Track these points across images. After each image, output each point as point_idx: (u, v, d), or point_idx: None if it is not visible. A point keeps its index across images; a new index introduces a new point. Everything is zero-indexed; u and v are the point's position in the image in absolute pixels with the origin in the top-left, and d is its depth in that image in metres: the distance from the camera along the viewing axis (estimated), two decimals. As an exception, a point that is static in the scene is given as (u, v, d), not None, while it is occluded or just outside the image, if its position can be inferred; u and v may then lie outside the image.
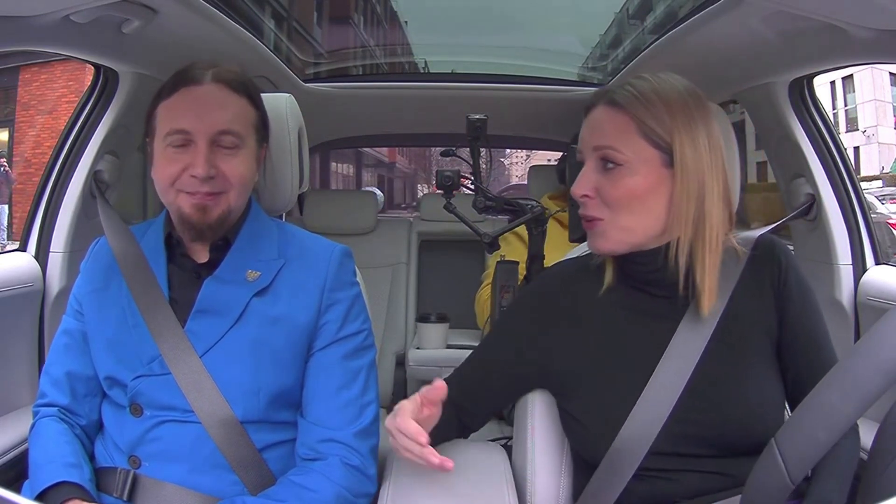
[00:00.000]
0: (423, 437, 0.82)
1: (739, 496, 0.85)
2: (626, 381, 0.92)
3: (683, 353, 0.91)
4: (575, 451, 1.01)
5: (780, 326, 0.94)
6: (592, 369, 0.95)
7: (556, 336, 0.98)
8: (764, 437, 0.85)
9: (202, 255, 1.03)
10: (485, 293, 2.00)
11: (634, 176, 0.90)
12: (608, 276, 0.98)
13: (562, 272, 1.04)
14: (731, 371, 0.91)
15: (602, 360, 0.95)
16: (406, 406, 0.86)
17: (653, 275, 0.94)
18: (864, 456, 0.87)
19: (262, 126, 1.06)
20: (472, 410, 1.03)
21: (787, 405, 0.96)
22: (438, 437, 1.03)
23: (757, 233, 0.99)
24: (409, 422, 0.84)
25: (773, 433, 0.84)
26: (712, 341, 0.91)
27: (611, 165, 0.91)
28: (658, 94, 0.91)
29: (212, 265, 1.02)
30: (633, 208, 0.91)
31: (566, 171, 2.13)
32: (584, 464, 0.97)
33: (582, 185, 0.93)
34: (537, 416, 1.03)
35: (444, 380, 1.05)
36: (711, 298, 0.91)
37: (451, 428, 1.03)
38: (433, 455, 0.82)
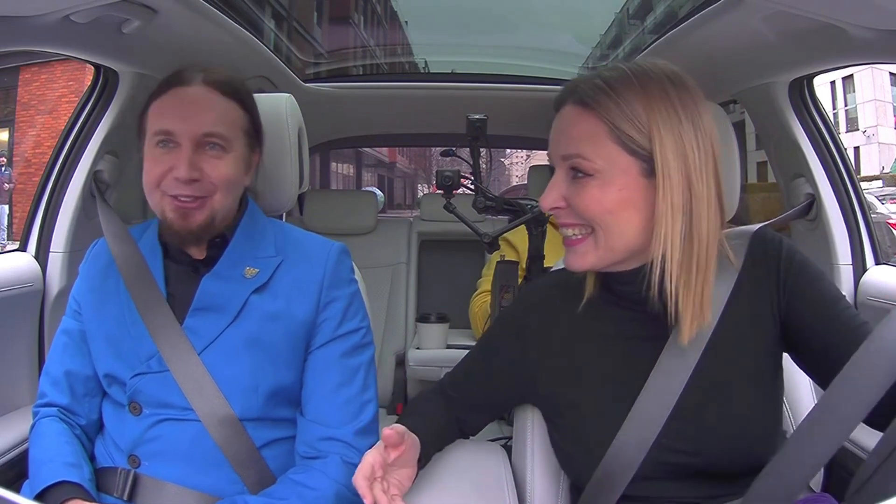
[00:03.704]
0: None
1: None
2: (609, 406, 0.87)
3: (667, 379, 0.84)
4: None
5: (788, 321, 0.87)
6: (575, 393, 0.90)
7: (537, 358, 0.94)
8: (752, 462, 0.81)
9: (199, 253, 1.03)
10: (476, 303, 2.00)
11: (608, 187, 0.80)
12: (588, 286, 0.91)
13: (543, 289, 0.98)
14: (719, 396, 0.85)
15: (584, 383, 0.90)
16: (367, 459, 0.80)
17: (637, 295, 0.86)
18: (864, 455, 0.87)
19: (254, 130, 1.05)
20: (464, 419, 1.02)
21: (788, 408, 0.94)
22: (440, 444, 1.02)
23: (750, 230, 0.91)
24: (379, 494, 0.78)
25: (764, 458, 0.79)
26: (700, 363, 0.84)
27: (580, 175, 0.81)
28: (631, 87, 0.80)
29: (209, 262, 1.02)
30: (607, 223, 0.81)
31: None
32: None
33: (550, 198, 0.84)
34: (538, 416, 1.03)
35: (439, 382, 1.05)
36: (692, 327, 0.81)
37: (452, 433, 1.03)
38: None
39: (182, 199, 0.97)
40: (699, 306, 0.82)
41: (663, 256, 0.80)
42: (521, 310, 0.99)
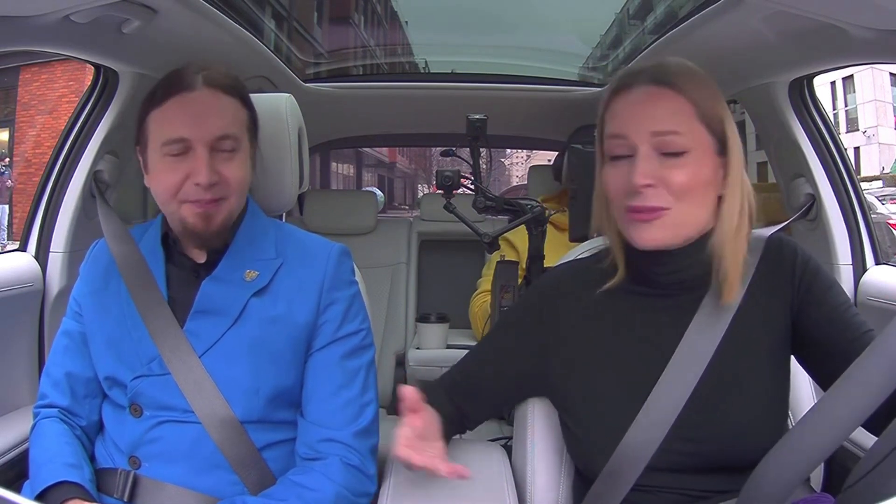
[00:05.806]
0: (417, 457, 0.78)
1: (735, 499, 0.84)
2: (626, 391, 0.89)
3: (690, 360, 0.86)
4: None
5: (799, 324, 0.90)
6: (593, 378, 0.92)
7: (554, 342, 0.95)
8: (755, 458, 0.82)
9: (200, 256, 1.03)
10: (476, 303, 2.00)
11: (697, 165, 0.84)
12: (620, 273, 0.92)
13: (562, 275, 1.01)
14: (733, 387, 0.88)
15: (603, 368, 0.92)
16: (400, 433, 0.81)
17: (668, 277, 0.90)
18: (861, 453, 0.87)
19: (253, 125, 1.06)
20: (467, 410, 1.01)
21: (790, 413, 0.95)
22: (452, 427, 1.01)
23: (767, 232, 0.95)
24: (400, 448, 0.79)
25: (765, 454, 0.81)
26: (713, 358, 0.87)
27: (672, 152, 0.84)
28: (704, 74, 0.86)
29: (210, 265, 1.02)
30: (693, 199, 0.85)
31: (563, 169, 2.13)
32: None
33: (644, 174, 0.84)
34: (538, 416, 1.03)
35: (441, 377, 1.05)
36: (734, 289, 0.86)
37: (454, 426, 1.02)
38: (442, 464, 0.80)
39: (203, 203, 0.96)
40: (738, 273, 0.86)
41: (725, 230, 0.86)
42: (540, 293, 1.00)
